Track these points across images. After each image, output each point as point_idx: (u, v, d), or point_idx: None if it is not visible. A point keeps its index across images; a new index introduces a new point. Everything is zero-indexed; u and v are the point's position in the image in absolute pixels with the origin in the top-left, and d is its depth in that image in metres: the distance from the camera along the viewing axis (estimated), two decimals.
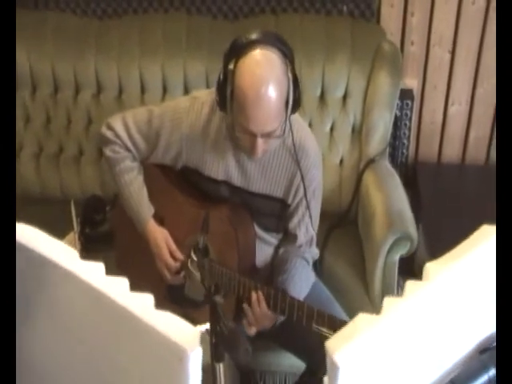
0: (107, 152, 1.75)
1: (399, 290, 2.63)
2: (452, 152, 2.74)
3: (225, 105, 1.52)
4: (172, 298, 1.79)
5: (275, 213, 1.76)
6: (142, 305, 0.69)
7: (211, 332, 0.91)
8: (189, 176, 1.75)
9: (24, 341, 0.88)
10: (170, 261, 1.76)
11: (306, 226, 1.75)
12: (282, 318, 1.63)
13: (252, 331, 1.62)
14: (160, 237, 1.76)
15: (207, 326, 1.01)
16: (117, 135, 1.73)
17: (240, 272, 1.68)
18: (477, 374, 0.88)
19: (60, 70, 2.39)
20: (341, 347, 0.69)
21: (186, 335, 0.67)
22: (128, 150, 1.74)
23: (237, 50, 1.47)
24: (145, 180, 1.78)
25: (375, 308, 2.03)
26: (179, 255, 1.77)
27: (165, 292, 1.80)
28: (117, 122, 1.73)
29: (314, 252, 1.80)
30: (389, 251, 2.01)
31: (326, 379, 0.73)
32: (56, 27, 2.42)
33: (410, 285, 0.78)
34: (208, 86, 2.30)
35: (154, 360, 0.71)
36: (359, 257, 2.20)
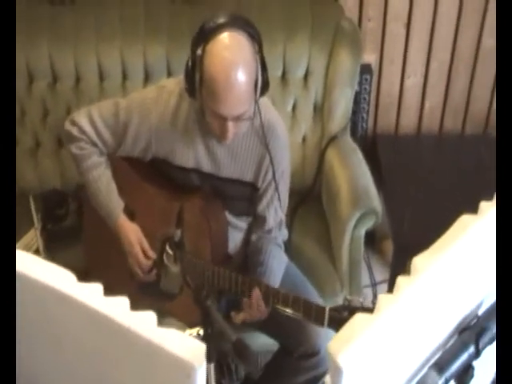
0: (73, 149, 1.70)
1: (367, 261, 2.67)
2: (409, 122, 2.79)
3: (194, 91, 1.51)
4: (144, 292, 1.76)
5: (245, 197, 1.76)
6: (145, 324, 0.68)
7: (204, 335, 0.91)
8: (158, 167, 1.73)
9: (26, 362, 0.86)
10: (143, 260, 1.74)
11: (275, 209, 1.76)
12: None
13: (238, 321, 1.62)
14: (132, 234, 1.73)
15: (195, 330, 1.01)
16: (82, 131, 1.68)
17: (213, 261, 1.67)
18: (458, 353, 0.92)
19: None
20: (343, 349, 0.71)
21: (193, 351, 0.67)
22: (94, 145, 1.70)
23: (205, 35, 1.45)
24: (113, 174, 1.75)
25: (343, 284, 2.06)
26: (151, 254, 1.74)
27: (137, 285, 1.77)
28: (81, 117, 1.69)
29: (283, 233, 1.82)
30: (355, 226, 2.03)
31: (328, 379, 0.75)
32: None
33: (402, 280, 0.80)
34: (169, 71, 2.26)
35: (159, 378, 0.71)
36: (325, 234, 2.22)
